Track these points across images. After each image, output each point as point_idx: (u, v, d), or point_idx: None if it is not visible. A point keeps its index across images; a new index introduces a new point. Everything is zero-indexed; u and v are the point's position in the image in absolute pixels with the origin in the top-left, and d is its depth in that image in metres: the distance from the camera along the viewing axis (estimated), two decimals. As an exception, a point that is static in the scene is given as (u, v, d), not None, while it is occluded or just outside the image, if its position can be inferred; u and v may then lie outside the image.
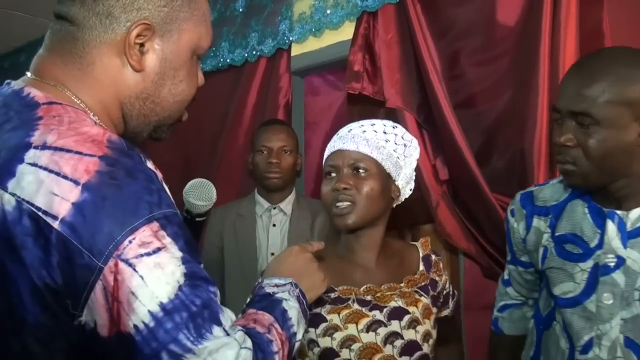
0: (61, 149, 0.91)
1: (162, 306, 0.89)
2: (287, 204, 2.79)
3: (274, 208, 2.79)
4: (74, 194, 0.88)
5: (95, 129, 0.97)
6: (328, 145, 1.68)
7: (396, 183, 1.64)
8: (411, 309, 1.59)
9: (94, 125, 0.99)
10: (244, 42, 3.33)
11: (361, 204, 1.58)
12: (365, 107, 2.81)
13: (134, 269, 0.88)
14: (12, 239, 0.89)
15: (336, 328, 1.53)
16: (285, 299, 1.18)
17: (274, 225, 2.77)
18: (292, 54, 3.15)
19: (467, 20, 2.44)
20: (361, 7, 2.72)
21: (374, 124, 1.65)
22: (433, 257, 1.75)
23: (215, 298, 0.95)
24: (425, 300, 1.63)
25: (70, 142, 0.92)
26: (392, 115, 2.56)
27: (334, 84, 3.45)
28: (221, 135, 3.44)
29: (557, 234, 1.63)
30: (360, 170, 1.59)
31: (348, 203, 1.58)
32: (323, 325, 1.53)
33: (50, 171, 0.90)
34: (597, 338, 1.52)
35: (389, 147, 1.61)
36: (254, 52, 3.29)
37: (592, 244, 1.54)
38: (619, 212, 1.51)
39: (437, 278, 1.72)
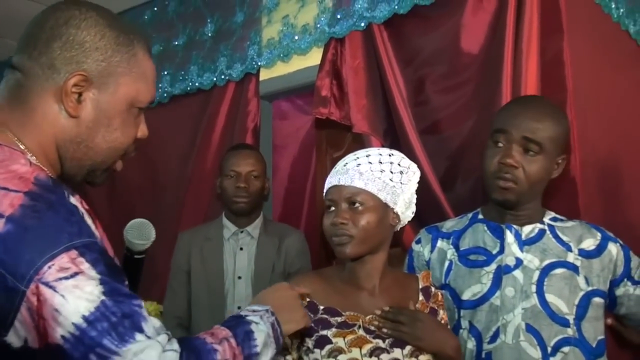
0: None
1: (85, 318, 0.98)
2: (255, 228, 2.80)
3: (242, 232, 2.78)
4: None
5: (25, 168, 1.06)
6: (327, 179, 1.72)
7: (395, 210, 1.67)
8: None
9: (25, 164, 1.08)
10: (213, 66, 3.35)
11: (358, 236, 1.62)
12: (333, 131, 2.84)
13: (55, 290, 0.97)
14: None
15: (340, 350, 1.56)
16: (256, 322, 1.28)
17: (241, 248, 2.77)
18: (261, 78, 3.17)
19: (432, 48, 2.49)
20: (329, 33, 2.76)
21: (369, 155, 1.68)
22: (433, 289, 1.78)
23: (139, 310, 1.04)
24: None
25: None
26: (359, 140, 2.60)
27: (302, 108, 3.48)
28: (189, 158, 3.44)
29: (461, 249, 1.91)
30: (357, 205, 1.62)
31: (346, 237, 1.62)
32: (328, 347, 1.57)
33: None
34: (502, 327, 1.77)
35: (384, 177, 1.64)
36: (223, 77, 3.31)
37: (495, 251, 1.84)
38: (515, 226, 1.84)
39: (437, 307, 1.75)
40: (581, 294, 1.76)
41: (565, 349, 1.73)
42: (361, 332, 1.60)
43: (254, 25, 3.21)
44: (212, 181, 3.06)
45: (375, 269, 1.69)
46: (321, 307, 1.63)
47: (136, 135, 1.25)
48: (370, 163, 1.65)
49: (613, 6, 2.48)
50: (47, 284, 0.96)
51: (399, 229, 1.75)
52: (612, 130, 2.36)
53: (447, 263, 1.91)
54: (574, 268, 1.78)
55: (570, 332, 1.73)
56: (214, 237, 2.78)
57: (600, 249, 1.81)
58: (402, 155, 1.73)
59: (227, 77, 3.29)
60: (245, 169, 2.73)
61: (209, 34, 3.43)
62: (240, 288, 2.70)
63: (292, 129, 3.51)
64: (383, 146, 2.53)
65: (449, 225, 2.00)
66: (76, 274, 0.99)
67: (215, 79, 3.34)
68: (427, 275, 1.80)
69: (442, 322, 1.74)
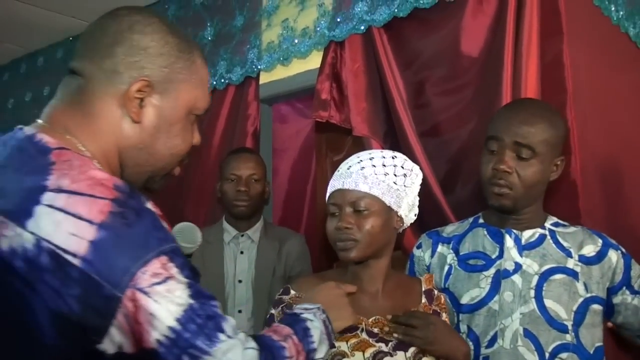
0: (75, 193, 1.01)
1: (178, 320, 1.01)
2: (255, 232, 2.80)
3: (242, 235, 2.78)
4: (90, 232, 0.98)
5: (101, 174, 1.06)
6: (330, 183, 1.70)
7: (398, 214, 1.67)
8: None
9: (98, 170, 1.08)
10: (213, 70, 3.35)
11: (363, 241, 1.61)
12: (333, 134, 2.84)
13: (148, 296, 0.99)
14: (31, 273, 0.98)
15: (343, 355, 1.56)
16: (310, 320, 1.31)
17: (242, 252, 2.77)
18: (261, 82, 3.17)
19: (432, 51, 2.49)
20: (329, 36, 2.76)
21: (373, 158, 1.67)
22: (435, 292, 1.77)
23: (217, 310, 1.08)
24: None
25: (83, 186, 1.02)
26: (359, 143, 2.59)
27: (302, 111, 3.47)
28: (190, 162, 3.42)
29: (461, 254, 1.90)
30: (361, 209, 1.61)
31: (350, 241, 1.61)
32: (331, 351, 1.55)
33: (67, 212, 0.99)
34: (500, 331, 1.76)
35: (388, 180, 1.63)
36: (223, 80, 3.31)
37: (494, 256, 1.84)
38: (515, 230, 1.83)
39: (439, 310, 1.74)
40: (580, 300, 1.76)
41: (563, 355, 1.72)
42: (364, 335, 1.59)
43: (253, 28, 3.21)
44: (213, 185, 3.06)
45: (379, 272, 1.69)
46: None
47: (192, 142, 1.27)
48: (374, 166, 1.64)
49: (612, 9, 2.48)
50: (141, 290, 0.99)
51: (400, 231, 1.74)
52: (612, 132, 2.36)
53: (446, 267, 1.90)
54: (573, 274, 1.77)
55: (568, 338, 1.73)
56: (214, 241, 2.78)
57: (600, 256, 1.80)
58: (404, 157, 1.72)
59: (226, 81, 3.29)
60: (246, 172, 2.73)
61: (209, 38, 3.43)
62: (240, 292, 2.70)
63: (292, 132, 3.51)
64: (383, 149, 2.53)
65: (449, 229, 1.99)
66: (167, 279, 1.01)
67: (215, 82, 3.34)
68: (429, 278, 1.79)
69: None
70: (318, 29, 2.86)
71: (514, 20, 2.22)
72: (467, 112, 2.37)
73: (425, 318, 1.63)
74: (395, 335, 1.60)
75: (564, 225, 1.87)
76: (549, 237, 1.83)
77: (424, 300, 1.73)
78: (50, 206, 1.00)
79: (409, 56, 2.55)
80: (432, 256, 1.95)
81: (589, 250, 1.81)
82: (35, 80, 4.63)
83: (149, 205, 1.08)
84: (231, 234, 2.78)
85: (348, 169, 1.66)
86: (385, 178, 1.63)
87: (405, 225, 1.72)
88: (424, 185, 2.33)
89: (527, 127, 1.74)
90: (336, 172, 1.70)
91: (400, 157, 1.70)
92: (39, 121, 1.16)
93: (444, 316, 1.74)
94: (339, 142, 2.89)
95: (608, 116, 2.34)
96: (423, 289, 1.76)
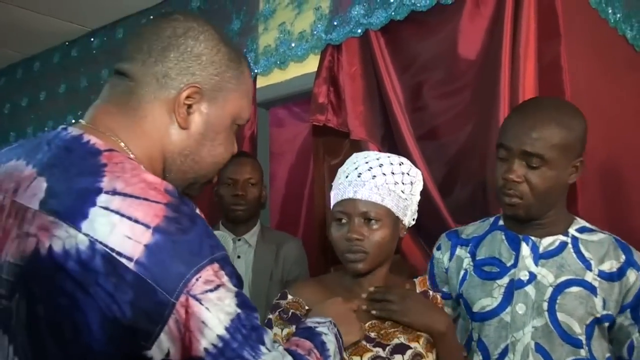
0: (131, 196, 1.00)
1: (227, 329, 1.00)
2: (252, 236, 2.79)
3: (239, 240, 2.77)
4: (145, 236, 0.96)
5: (152, 177, 1.05)
6: (337, 187, 1.67)
7: (403, 222, 1.67)
8: (413, 344, 1.61)
9: (149, 173, 1.06)
10: (210, 73, 3.34)
11: (372, 253, 1.61)
12: (330, 138, 2.83)
13: (201, 303, 0.98)
14: (84, 275, 0.96)
15: None
16: (325, 333, 1.32)
17: (239, 256, 2.76)
18: (257, 85, 3.16)
19: (430, 54, 2.48)
20: (325, 40, 2.75)
21: (382, 165, 1.64)
22: (431, 292, 1.77)
23: (258, 322, 1.07)
24: (426, 334, 1.65)
25: (137, 189, 1.01)
26: (357, 146, 2.59)
27: (299, 115, 3.47)
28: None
29: (477, 258, 1.84)
30: (372, 220, 1.60)
31: (361, 254, 1.60)
32: None
33: (122, 215, 0.97)
34: (511, 345, 1.71)
35: (397, 189, 1.62)
36: (220, 84, 3.29)
37: (509, 264, 1.77)
38: (533, 237, 1.75)
39: None
40: (597, 316, 1.68)
41: None
42: (362, 340, 1.58)
43: (250, 32, 3.21)
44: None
45: (379, 278, 1.69)
46: None
47: (232, 151, 1.28)
48: (384, 174, 1.62)
49: (610, 11, 2.48)
50: (194, 297, 0.98)
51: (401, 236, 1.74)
52: (611, 134, 2.35)
53: (462, 272, 1.86)
54: (591, 288, 1.69)
55: (583, 353, 1.67)
56: (212, 245, 2.77)
57: (620, 274, 1.70)
58: (409, 163, 1.71)
59: (224, 85, 3.28)
60: (243, 176, 2.72)
61: (206, 42, 3.42)
62: (238, 296, 2.69)
63: (289, 136, 3.51)
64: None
65: (469, 230, 1.92)
66: (218, 286, 1.01)
67: (212, 86, 3.33)
68: (423, 280, 1.80)
69: None
70: (315, 32, 2.85)
71: (511, 22, 2.21)
72: (464, 115, 2.37)
73: (401, 292, 1.64)
74: (373, 312, 1.61)
75: (590, 231, 1.77)
76: (570, 245, 1.74)
77: None
78: (105, 208, 0.98)
79: (406, 59, 2.55)
80: (450, 259, 1.90)
81: (610, 266, 1.70)
82: (32, 85, 4.63)
83: (198, 211, 1.07)
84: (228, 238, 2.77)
85: (359, 176, 1.63)
86: (395, 187, 1.62)
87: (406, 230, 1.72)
88: (422, 188, 2.33)
89: (535, 134, 1.64)
90: (344, 178, 1.66)
91: (407, 164, 1.69)
92: (82, 122, 1.14)
93: None
94: (337, 146, 2.88)
95: (606, 118, 2.34)
96: (417, 292, 1.75)
